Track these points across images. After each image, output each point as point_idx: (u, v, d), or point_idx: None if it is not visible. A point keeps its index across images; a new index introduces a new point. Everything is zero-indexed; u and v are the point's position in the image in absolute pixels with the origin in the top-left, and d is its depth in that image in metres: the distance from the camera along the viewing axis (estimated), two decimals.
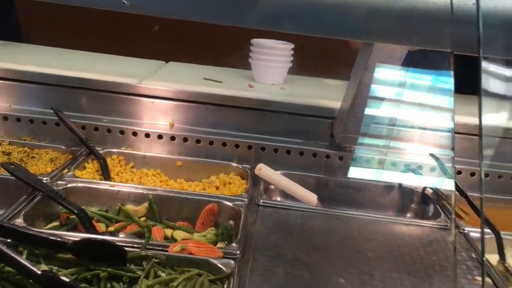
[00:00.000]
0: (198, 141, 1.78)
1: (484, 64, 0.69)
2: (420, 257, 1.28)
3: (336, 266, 1.22)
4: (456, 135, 1.73)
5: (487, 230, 1.37)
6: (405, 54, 1.33)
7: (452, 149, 1.64)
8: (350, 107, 1.58)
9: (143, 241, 1.20)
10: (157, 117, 1.84)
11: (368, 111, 1.60)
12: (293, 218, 1.46)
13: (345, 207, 1.63)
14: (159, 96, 1.84)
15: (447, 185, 1.58)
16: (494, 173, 1.75)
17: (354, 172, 1.74)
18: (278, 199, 1.66)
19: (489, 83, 0.78)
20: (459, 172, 1.72)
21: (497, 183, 1.75)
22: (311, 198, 1.58)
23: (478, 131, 0.73)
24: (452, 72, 0.73)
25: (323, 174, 1.73)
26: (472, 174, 1.74)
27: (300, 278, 1.14)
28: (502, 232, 1.40)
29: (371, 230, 1.44)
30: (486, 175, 1.75)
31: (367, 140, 1.73)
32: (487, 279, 1.19)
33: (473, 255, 1.30)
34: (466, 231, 1.41)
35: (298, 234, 1.37)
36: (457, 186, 1.53)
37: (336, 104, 1.76)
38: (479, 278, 1.19)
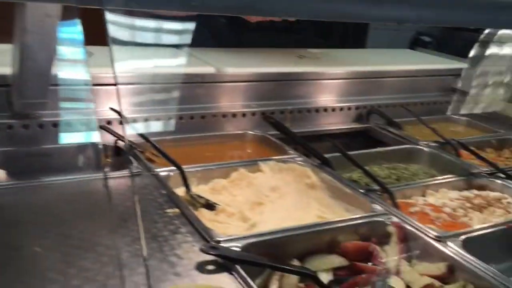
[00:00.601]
0: None
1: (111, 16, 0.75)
2: (117, 206, 1.34)
3: (33, 237, 1.18)
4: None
5: (172, 168, 1.53)
6: (61, 11, 1.31)
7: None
8: (21, 71, 1.50)
9: None
10: None
11: (42, 73, 1.53)
12: None
13: (41, 176, 1.57)
14: None
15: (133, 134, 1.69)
16: (176, 115, 1.94)
17: (44, 139, 1.68)
18: None
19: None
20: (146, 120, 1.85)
21: (179, 124, 1.95)
22: None
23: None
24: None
25: (9, 146, 1.61)
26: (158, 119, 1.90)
27: None
28: (184, 166, 1.59)
29: (68, 193, 1.44)
30: (171, 118, 1.93)
31: (53, 103, 1.67)
32: (176, 210, 1.34)
33: (163, 192, 1.44)
34: (156, 172, 1.54)
35: None
36: (141, 134, 1.65)
37: (8, 70, 1.63)
38: (170, 210, 1.33)
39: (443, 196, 1.68)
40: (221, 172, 1.66)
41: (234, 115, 2.07)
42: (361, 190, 1.60)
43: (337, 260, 1.29)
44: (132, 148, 1.68)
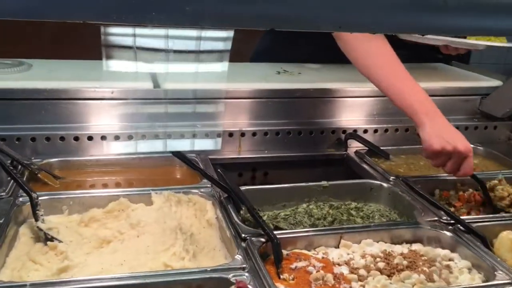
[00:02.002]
0: None
1: None
2: None
3: None
4: None
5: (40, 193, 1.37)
6: None
7: None
8: None
9: None
10: None
11: None
12: None
13: None
14: None
15: None
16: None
17: None
18: None
19: None
20: None
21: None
22: None
23: None
24: None
25: None
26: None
27: None
28: (61, 192, 1.44)
29: None
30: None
31: None
32: None
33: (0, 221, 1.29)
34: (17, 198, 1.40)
35: None
36: None
37: None
38: None
39: (360, 249, 1.31)
40: (102, 200, 1.46)
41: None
42: (243, 235, 1.29)
43: None
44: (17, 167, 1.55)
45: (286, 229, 1.45)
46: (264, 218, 1.46)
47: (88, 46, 2.02)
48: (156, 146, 1.82)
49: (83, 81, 1.85)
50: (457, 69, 2.64)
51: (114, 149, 1.80)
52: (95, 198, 1.47)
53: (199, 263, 1.24)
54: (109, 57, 2.10)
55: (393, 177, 1.73)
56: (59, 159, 1.70)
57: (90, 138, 1.78)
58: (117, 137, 1.80)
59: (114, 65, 2.05)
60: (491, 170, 1.94)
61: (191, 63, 2.17)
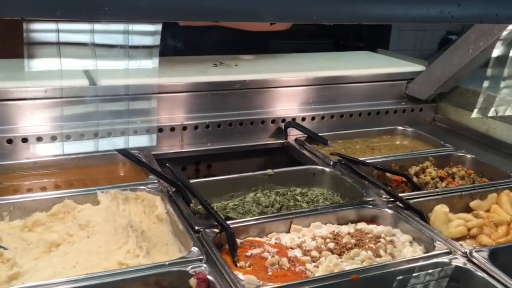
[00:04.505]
0: None
1: None
2: None
3: None
4: None
5: None
6: None
7: None
8: None
9: None
10: None
11: None
12: None
13: None
14: None
15: None
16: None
17: None
18: None
19: None
20: None
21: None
22: None
23: None
24: None
25: None
26: None
27: None
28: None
29: None
30: None
31: None
32: None
33: None
34: None
35: None
36: None
37: None
38: None
39: (309, 232, 1.36)
40: (44, 203, 1.41)
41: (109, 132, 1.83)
42: (196, 227, 1.31)
43: None
44: None
45: (236, 219, 1.48)
46: None
47: (13, 44, 1.92)
48: (96, 145, 1.78)
49: (12, 81, 1.77)
50: (382, 56, 2.77)
51: (51, 151, 1.74)
52: (37, 201, 1.41)
53: (153, 259, 1.24)
54: (36, 55, 2.01)
55: (333, 161, 1.80)
56: None
57: (24, 140, 1.70)
58: (54, 138, 1.74)
59: (44, 63, 1.96)
60: (420, 150, 2.07)
61: (123, 59, 2.13)
